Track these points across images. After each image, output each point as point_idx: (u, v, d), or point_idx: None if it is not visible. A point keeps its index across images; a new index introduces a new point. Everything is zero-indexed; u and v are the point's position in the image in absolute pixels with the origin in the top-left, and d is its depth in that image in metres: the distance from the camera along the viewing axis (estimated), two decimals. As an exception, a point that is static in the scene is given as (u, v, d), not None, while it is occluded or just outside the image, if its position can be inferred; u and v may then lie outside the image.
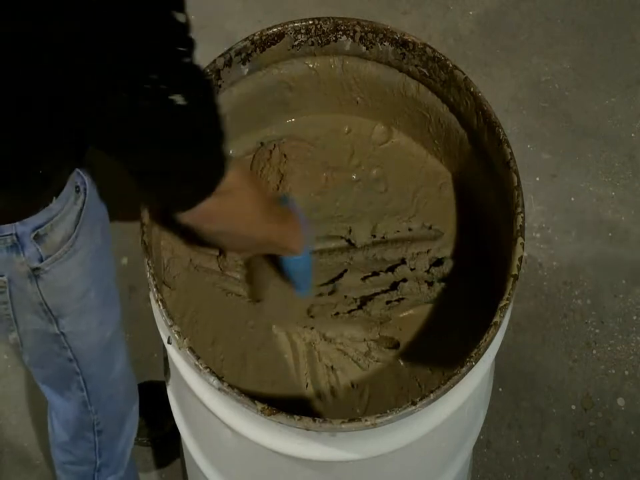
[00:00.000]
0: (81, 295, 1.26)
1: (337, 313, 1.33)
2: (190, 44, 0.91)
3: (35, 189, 1.10)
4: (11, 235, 1.12)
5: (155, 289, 1.16)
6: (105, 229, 1.31)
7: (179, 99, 0.91)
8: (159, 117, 0.93)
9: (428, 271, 1.36)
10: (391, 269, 1.37)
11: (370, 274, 1.38)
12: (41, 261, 1.16)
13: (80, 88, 0.89)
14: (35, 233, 1.13)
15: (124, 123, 0.93)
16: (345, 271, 1.37)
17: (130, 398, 1.57)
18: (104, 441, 1.56)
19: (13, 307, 1.22)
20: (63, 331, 1.28)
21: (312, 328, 1.32)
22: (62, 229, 1.16)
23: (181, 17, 0.88)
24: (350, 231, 1.40)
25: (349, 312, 1.34)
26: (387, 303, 1.34)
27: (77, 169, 1.17)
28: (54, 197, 1.13)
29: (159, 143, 0.96)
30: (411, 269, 1.36)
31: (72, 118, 0.97)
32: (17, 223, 1.12)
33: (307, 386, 1.27)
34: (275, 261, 1.34)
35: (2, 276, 1.17)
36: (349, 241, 1.40)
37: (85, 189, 1.19)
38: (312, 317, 1.33)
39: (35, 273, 1.17)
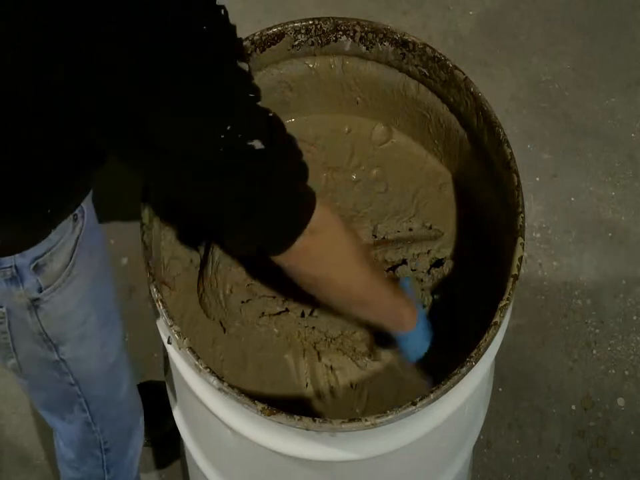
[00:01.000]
0: (81, 321, 1.25)
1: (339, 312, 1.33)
2: (257, 89, 0.91)
3: (42, 223, 1.10)
4: (10, 267, 1.11)
5: (154, 289, 1.16)
6: (102, 253, 1.29)
7: (257, 144, 0.90)
8: (238, 163, 0.91)
9: (428, 272, 1.37)
10: (392, 268, 1.37)
11: None
12: (40, 291, 1.15)
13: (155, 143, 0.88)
14: (35, 263, 1.12)
15: (205, 171, 0.91)
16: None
17: (135, 413, 1.56)
18: (112, 457, 1.55)
19: (11, 336, 1.21)
20: (63, 357, 1.27)
21: (313, 328, 1.32)
22: (60, 258, 1.15)
23: (244, 66, 0.89)
24: None
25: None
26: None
27: None
28: (52, 229, 1.12)
29: (241, 186, 0.93)
30: (412, 270, 1.36)
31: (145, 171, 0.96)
32: (17, 255, 1.10)
33: (306, 386, 1.27)
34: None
35: (1, 307, 1.16)
36: None
37: (83, 216, 1.18)
38: (315, 316, 1.32)
39: (34, 304, 1.16)
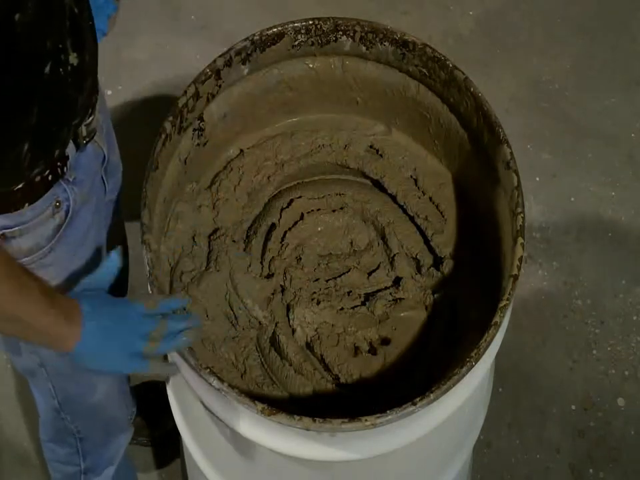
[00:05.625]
0: None
1: (342, 309, 1.34)
2: None
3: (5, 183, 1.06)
4: None
5: (154, 289, 1.16)
6: (95, 256, 1.27)
7: None
8: None
9: (428, 271, 1.37)
10: (392, 262, 1.37)
11: (376, 267, 1.38)
12: None
13: None
14: (2, 233, 1.11)
15: None
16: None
17: (119, 421, 1.55)
18: (88, 447, 1.54)
19: None
20: None
21: (315, 327, 1.32)
22: (32, 238, 1.13)
23: None
24: (352, 243, 1.41)
25: (353, 308, 1.34)
26: (389, 301, 1.34)
27: (63, 183, 1.13)
28: (27, 203, 1.10)
29: None
30: (414, 270, 1.37)
31: None
32: None
33: (307, 385, 1.27)
34: None
35: None
36: (355, 251, 1.41)
37: (69, 207, 1.16)
38: (316, 313, 1.33)
39: None
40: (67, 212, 1.16)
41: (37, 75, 0.98)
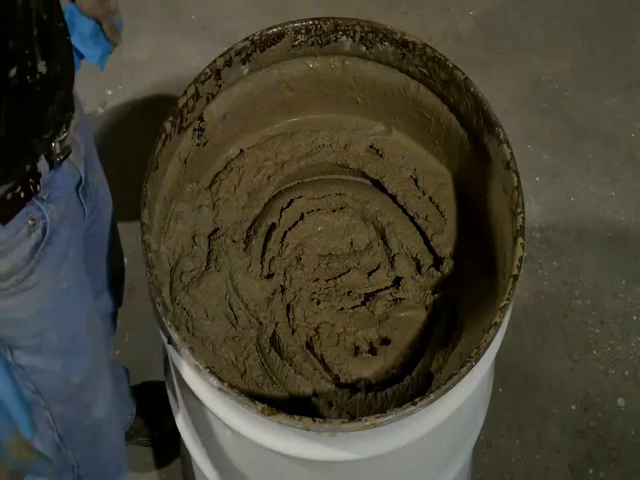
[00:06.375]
0: (36, 333, 1.20)
1: (342, 309, 1.34)
2: None
3: None
4: None
5: (154, 289, 1.16)
6: (79, 271, 1.25)
7: None
8: None
9: (428, 271, 1.37)
10: (392, 262, 1.37)
11: (376, 267, 1.38)
12: None
13: None
14: None
15: None
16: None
17: (117, 467, 1.55)
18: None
19: None
20: (19, 363, 1.22)
21: (315, 327, 1.32)
22: (8, 260, 1.09)
23: None
24: (352, 243, 1.41)
25: (353, 308, 1.34)
26: (389, 301, 1.34)
27: (36, 201, 1.10)
28: None
29: None
30: (414, 270, 1.37)
31: None
32: None
33: (307, 385, 1.27)
34: None
35: None
36: (355, 251, 1.41)
37: (45, 225, 1.12)
38: (316, 313, 1.33)
39: None
40: (44, 230, 1.12)
41: (1, 78, 0.95)
